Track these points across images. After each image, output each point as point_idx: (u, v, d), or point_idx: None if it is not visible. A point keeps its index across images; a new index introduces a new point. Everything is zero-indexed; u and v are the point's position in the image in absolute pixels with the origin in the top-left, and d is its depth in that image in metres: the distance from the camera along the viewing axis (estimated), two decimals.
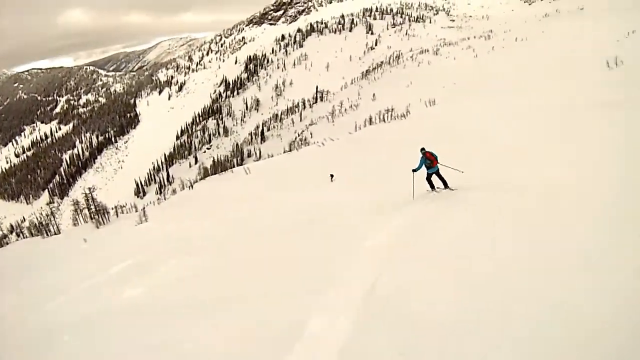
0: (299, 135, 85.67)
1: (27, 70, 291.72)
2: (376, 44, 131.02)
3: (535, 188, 9.08)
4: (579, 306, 4.08)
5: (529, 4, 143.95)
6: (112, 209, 36.69)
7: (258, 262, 9.33)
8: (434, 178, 10.98)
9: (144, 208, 31.26)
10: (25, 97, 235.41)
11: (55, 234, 34.78)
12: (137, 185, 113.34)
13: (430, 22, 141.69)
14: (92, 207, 31.69)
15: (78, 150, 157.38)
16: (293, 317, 5.44)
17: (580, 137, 14.62)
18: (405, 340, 4.28)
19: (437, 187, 11.06)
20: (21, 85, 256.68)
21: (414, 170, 11.05)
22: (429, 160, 10.64)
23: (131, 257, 13.49)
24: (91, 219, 31.53)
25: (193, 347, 5.43)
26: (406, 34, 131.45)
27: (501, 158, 14.84)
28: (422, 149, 10.88)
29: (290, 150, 54.06)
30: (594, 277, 4.58)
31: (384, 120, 53.24)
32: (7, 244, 41.63)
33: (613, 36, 48.07)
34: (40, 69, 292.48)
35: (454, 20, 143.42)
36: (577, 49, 52.78)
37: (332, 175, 23.63)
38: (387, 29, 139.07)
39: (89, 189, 36.40)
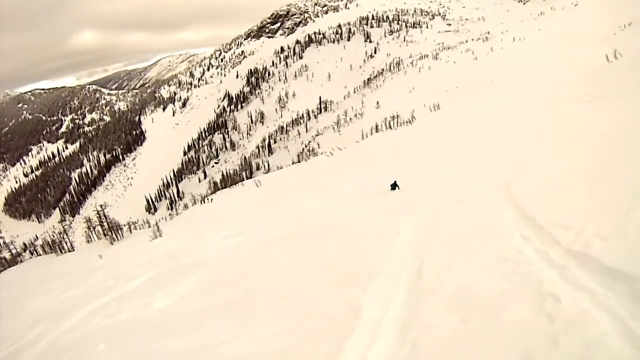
0: (306, 146, 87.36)
1: (30, 91, 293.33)
2: (375, 52, 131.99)
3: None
4: None
5: (523, 3, 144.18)
6: (125, 225, 37.02)
7: (283, 268, 9.17)
8: None
9: (157, 223, 30.53)
10: (29, 117, 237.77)
11: (69, 251, 35.30)
12: (148, 201, 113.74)
13: (427, 27, 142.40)
14: (105, 223, 31.80)
15: (86, 168, 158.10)
16: (345, 306, 5.42)
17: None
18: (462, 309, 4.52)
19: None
20: (25, 106, 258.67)
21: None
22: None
23: (152, 269, 13.55)
24: (104, 235, 31.61)
25: (226, 350, 5.42)
26: (404, 40, 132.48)
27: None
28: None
29: (298, 162, 53.52)
30: None
31: (390, 127, 54.10)
32: (21, 261, 41.33)
33: (610, 30, 48.06)
34: (43, 89, 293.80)
35: (450, 24, 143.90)
36: (575, 45, 53.06)
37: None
38: (385, 36, 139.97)
39: (101, 206, 36.57)
